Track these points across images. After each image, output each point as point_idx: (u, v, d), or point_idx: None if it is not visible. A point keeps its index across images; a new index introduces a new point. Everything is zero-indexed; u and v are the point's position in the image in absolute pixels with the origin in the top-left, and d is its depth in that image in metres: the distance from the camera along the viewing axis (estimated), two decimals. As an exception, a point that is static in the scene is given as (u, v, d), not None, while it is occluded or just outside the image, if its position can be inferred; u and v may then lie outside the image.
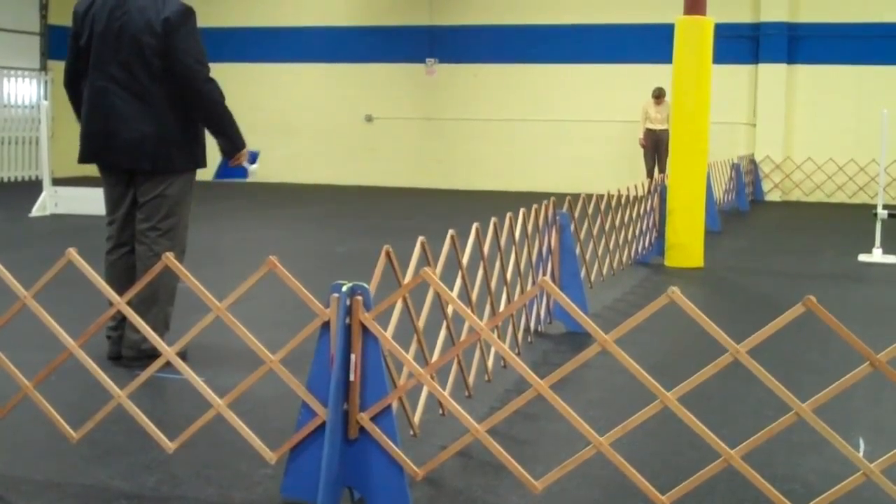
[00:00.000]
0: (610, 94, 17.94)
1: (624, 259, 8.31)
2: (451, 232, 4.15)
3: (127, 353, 4.91)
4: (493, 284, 4.71)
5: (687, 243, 9.02)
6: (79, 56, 5.03)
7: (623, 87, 17.69)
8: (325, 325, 3.02)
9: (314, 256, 9.51)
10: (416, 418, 3.69)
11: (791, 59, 17.31)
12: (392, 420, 3.06)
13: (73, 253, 3.30)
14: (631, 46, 17.74)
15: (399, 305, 3.48)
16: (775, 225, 13.56)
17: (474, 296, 4.39)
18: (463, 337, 4.16)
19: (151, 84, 4.89)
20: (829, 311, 2.74)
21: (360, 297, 3.00)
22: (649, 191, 9.26)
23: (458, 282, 4.23)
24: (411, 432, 3.63)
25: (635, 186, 8.72)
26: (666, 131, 14.77)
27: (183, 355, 3.98)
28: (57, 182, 13.04)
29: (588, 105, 18.16)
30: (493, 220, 4.85)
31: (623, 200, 8.27)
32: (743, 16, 17.39)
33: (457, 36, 18.81)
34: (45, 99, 18.24)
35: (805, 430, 3.14)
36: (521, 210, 5.40)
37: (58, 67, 16.46)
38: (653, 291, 7.60)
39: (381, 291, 3.18)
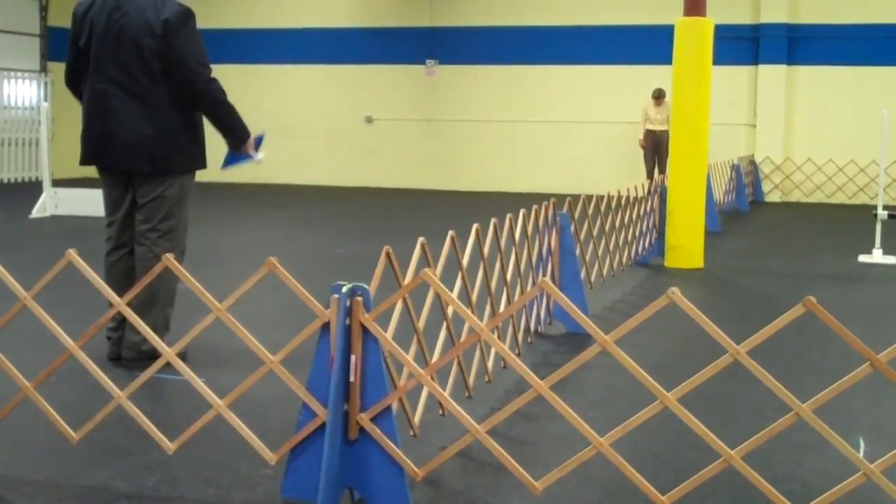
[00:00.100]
0: (610, 95, 17.95)
1: (624, 260, 8.32)
2: (451, 233, 4.15)
3: (127, 355, 4.91)
4: (493, 285, 4.71)
5: (687, 244, 9.02)
6: (78, 57, 5.03)
7: (623, 89, 17.69)
8: (326, 326, 3.02)
9: (314, 257, 9.51)
10: (417, 419, 3.69)
11: (791, 60, 17.31)
12: (392, 421, 3.06)
13: (73, 254, 3.30)
14: (631, 47, 17.75)
15: (399, 306, 3.48)
16: (775, 226, 13.56)
17: (474, 297, 4.39)
18: (463, 338, 4.16)
19: (151, 85, 4.89)
20: (829, 311, 2.73)
21: (360, 298, 3.01)
22: (649, 192, 9.26)
23: (458, 283, 4.23)
24: (411, 433, 3.64)
25: (635, 187, 8.73)
26: (666, 132, 14.77)
27: (183, 356, 3.97)
28: (57, 183, 13.02)
29: (588, 106, 18.16)
30: (493, 220, 4.85)
31: (623, 201, 8.28)
32: (743, 17, 17.40)
33: (457, 37, 18.81)
34: (45, 100, 18.24)
35: (805, 431, 3.15)
36: (521, 211, 5.40)
37: (58, 69, 16.51)
38: (653, 292, 7.60)
39: (381, 292, 3.19)
